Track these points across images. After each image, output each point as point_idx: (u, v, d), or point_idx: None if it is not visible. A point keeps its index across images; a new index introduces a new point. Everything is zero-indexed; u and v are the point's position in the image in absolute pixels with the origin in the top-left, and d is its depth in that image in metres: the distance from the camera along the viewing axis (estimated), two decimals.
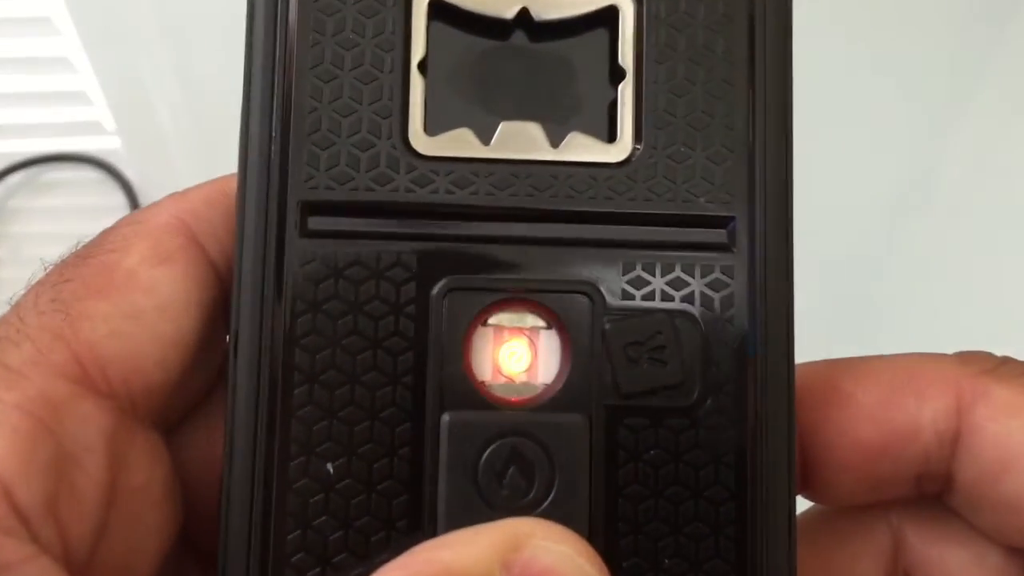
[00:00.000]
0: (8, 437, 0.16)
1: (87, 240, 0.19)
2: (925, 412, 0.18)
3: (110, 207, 0.57)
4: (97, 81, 0.59)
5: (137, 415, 0.18)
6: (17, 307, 0.18)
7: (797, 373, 0.17)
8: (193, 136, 0.60)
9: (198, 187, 0.19)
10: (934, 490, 0.19)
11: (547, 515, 0.16)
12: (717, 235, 0.18)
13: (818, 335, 0.59)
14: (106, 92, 0.59)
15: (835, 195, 0.56)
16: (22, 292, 0.18)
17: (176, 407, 0.19)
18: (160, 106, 0.60)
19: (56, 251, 0.61)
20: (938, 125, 0.58)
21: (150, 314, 0.18)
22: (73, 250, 0.19)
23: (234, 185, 0.18)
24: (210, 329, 0.18)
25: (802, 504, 0.19)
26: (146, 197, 0.57)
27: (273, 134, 0.17)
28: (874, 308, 0.56)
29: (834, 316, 0.55)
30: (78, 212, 0.59)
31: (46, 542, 0.16)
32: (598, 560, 0.15)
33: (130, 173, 0.58)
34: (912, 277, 0.55)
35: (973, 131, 0.57)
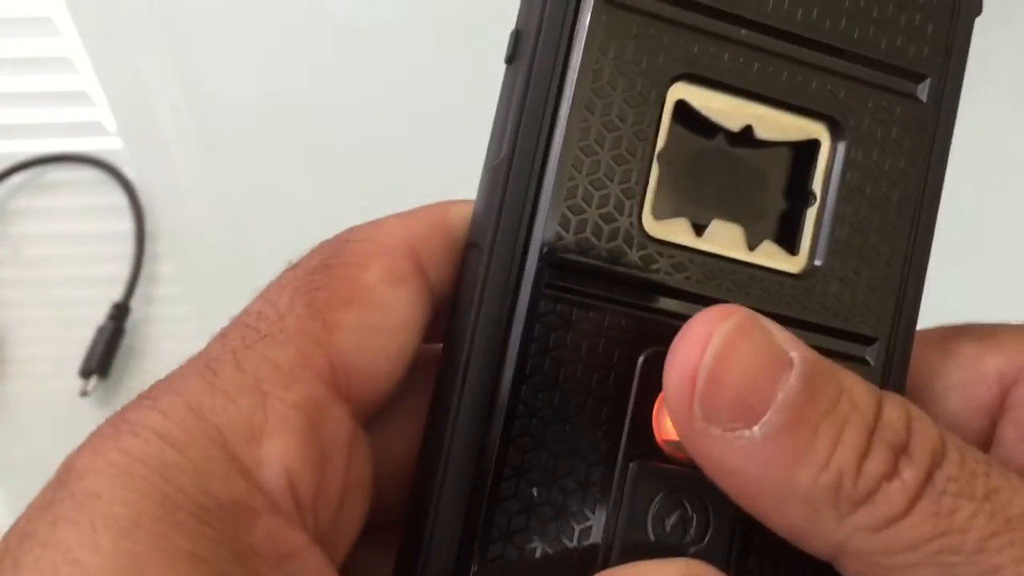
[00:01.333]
0: (291, 435, 0.18)
1: (323, 246, 0.21)
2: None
3: (111, 207, 0.58)
4: (98, 81, 0.59)
5: (361, 419, 0.20)
6: (272, 303, 0.20)
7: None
8: (194, 136, 0.60)
9: (420, 211, 0.21)
10: None
11: (699, 555, 0.19)
12: (859, 350, 0.21)
13: None
14: (107, 93, 0.59)
15: None
16: (271, 286, 0.20)
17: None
18: (161, 107, 0.60)
19: (57, 251, 0.61)
20: None
21: (387, 331, 0.20)
22: (313, 253, 0.21)
23: (452, 213, 0.21)
24: (419, 347, 0.21)
25: None
26: (147, 197, 0.57)
27: (535, 189, 0.19)
28: None
29: None
30: (79, 212, 0.59)
31: (311, 529, 0.18)
32: None
33: (131, 173, 0.58)
34: None
35: (974, 131, 0.57)
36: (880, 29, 0.20)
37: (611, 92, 0.19)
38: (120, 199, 0.57)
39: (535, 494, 0.19)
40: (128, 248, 0.56)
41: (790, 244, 0.21)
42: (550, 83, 0.19)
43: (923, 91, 0.21)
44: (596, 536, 0.19)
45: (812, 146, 0.21)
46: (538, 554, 0.19)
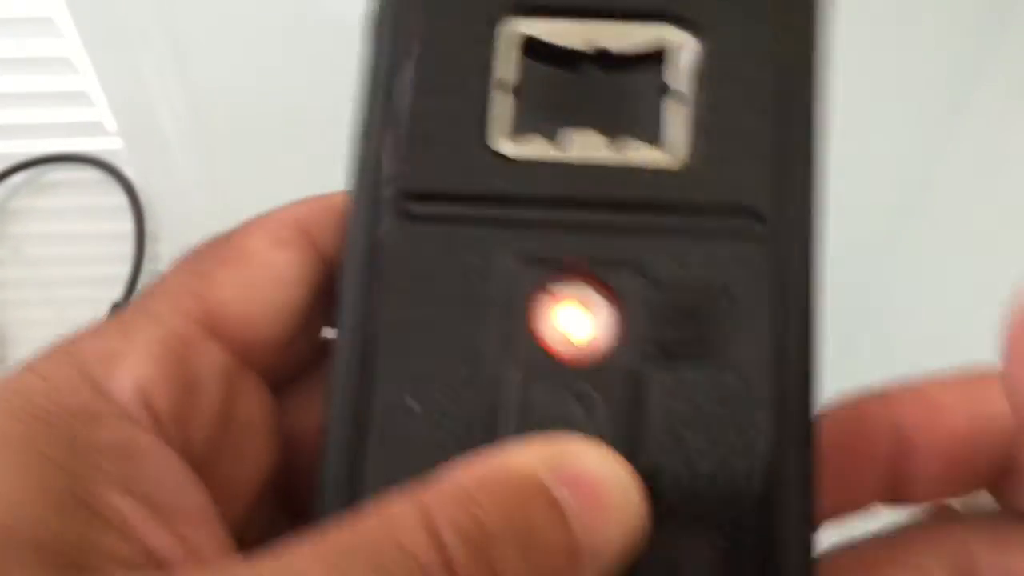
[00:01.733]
0: (150, 359, 0.19)
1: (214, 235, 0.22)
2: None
3: (111, 207, 0.58)
4: (99, 82, 0.59)
5: (251, 363, 0.21)
6: (164, 274, 0.22)
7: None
8: (194, 137, 0.60)
9: (314, 197, 0.23)
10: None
11: None
12: (749, 224, 0.20)
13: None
14: (107, 93, 0.59)
15: (833, 194, 0.56)
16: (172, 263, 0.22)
17: (281, 368, 0.22)
18: (161, 107, 0.60)
19: (57, 251, 0.61)
20: (938, 124, 0.58)
21: (266, 285, 0.21)
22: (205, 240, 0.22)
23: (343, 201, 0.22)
24: (313, 303, 0.22)
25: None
26: (147, 197, 0.57)
27: (383, 135, 0.21)
28: (872, 307, 0.56)
29: (831, 315, 0.55)
30: (79, 212, 0.60)
31: (173, 442, 0.19)
32: (631, 468, 0.18)
33: (131, 173, 0.58)
34: (911, 277, 0.55)
35: (973, 130, 0.57)
36: None
37: (451, 31, 0.21)
38: (120, 199, 0.57)
39: (416, 406, 0.20)
40: (128, 248, 0.56)
41: (658, 141, 0.21)
42: (392, 32, 0.21)
43: None
44: (483, 440, 0.19)
45: (670, 48, 0.21)
46: (425, 463, 0.19)
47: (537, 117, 0.21)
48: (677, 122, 0.21)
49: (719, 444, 0.20)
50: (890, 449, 0.21)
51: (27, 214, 0.59)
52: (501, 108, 0.21)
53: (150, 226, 0.57)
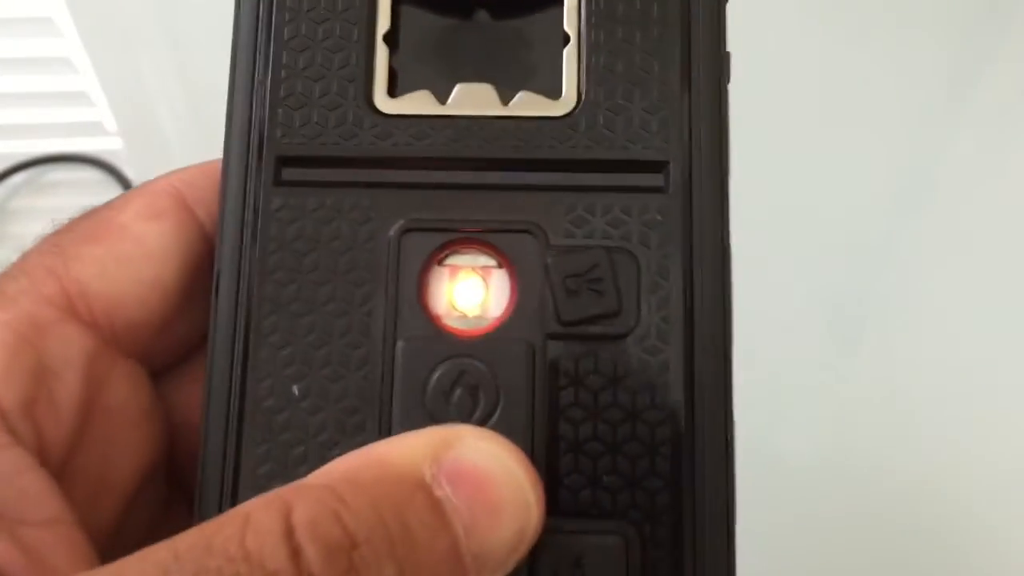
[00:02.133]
0: None
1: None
2: None
3: None
4: (99, 82, 0.59)
5: (120, 347, 0.19)
6: (25, 252, 0.20)
7: None
8: (194, 136, 0.60)
9: (196, 164, 0.21)
10: None
11: (493, 429, 0.17)
12: (653, 179, 0.19)
13: (813, 334, 0.59)
14: (108, 93, 0.59)
15: (832, 194, 0.56)
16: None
17: (161, 350, 0.20)
18: (161, 107, 0.60)
19: None
20: (938, 122, 0.58)
21: (137, 260, 0.19)
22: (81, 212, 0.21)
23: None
24: (193, 279, 0.20)
25: None
26: None
27: (254, 98, 0.19)
28: (872, 307, 0.56)
29: (831, 315, 0.55)
30: (79, 212, 0.59)
31: (22, 438, 0.17)
32: (525, 460, 0.16)
33: (131, 174, 0.58)
34: (910, 277, 0.55)
35: (973, 129, 0.57)
36: None
37: None
38: None
39: (296, 391, 0.18)
40: None
41: (553, 90, 0.19)
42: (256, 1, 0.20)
43: None
44: (371, 425, 0.18)
45: None
46: (309, 455, 0.18)
47: (424, 72, 0.20)
48: (573, 73, 0.19)
49: (625, 425, 0.18)
50: None
51: (27, 214, 0.59)
52: (383, 63, 0.19)
53: None
